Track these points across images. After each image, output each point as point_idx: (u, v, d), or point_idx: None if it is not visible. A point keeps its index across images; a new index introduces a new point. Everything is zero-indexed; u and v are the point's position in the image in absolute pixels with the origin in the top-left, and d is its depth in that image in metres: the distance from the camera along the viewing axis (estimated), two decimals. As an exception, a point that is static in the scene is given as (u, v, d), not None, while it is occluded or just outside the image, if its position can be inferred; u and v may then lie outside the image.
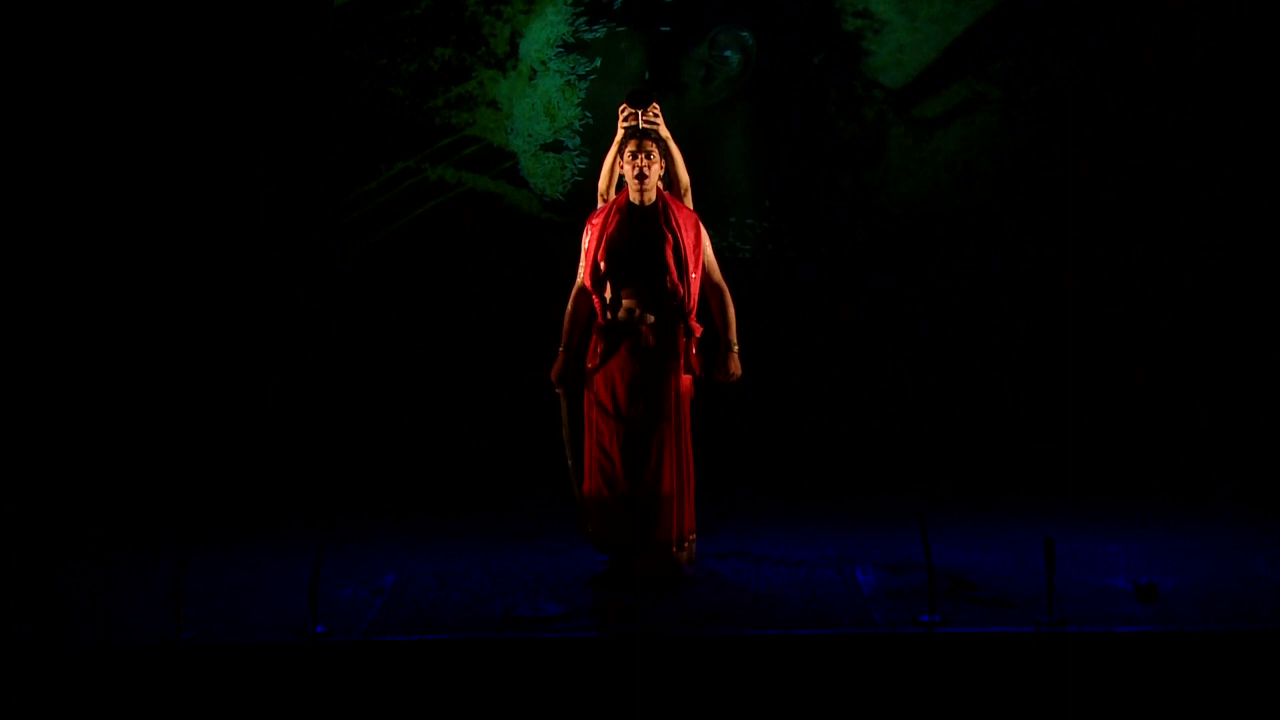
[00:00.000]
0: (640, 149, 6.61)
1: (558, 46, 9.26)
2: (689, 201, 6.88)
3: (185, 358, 9.06)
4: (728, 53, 9.23)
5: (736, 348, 6.79)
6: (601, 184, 6.91)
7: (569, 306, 6.80)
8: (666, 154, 6.73)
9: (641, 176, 6.61)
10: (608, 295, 6.65)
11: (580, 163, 9.24)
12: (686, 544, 6.77)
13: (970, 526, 7.60)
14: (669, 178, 6.81)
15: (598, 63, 9.26)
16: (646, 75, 9.20)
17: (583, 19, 9.22)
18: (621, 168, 6.70)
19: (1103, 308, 9.21)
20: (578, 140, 9.26)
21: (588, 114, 9.25)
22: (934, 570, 6.16)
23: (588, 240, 6.73)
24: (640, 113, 6.67)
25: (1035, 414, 9.19)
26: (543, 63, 9.27)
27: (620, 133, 6.72)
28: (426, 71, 9.20)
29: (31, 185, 8.80)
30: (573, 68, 9.27)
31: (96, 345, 8.96)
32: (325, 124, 9.19)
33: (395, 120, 9.23)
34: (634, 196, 6.67)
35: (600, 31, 9.25)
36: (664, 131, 6.71)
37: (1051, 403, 9.17)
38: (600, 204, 6.88)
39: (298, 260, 9.24)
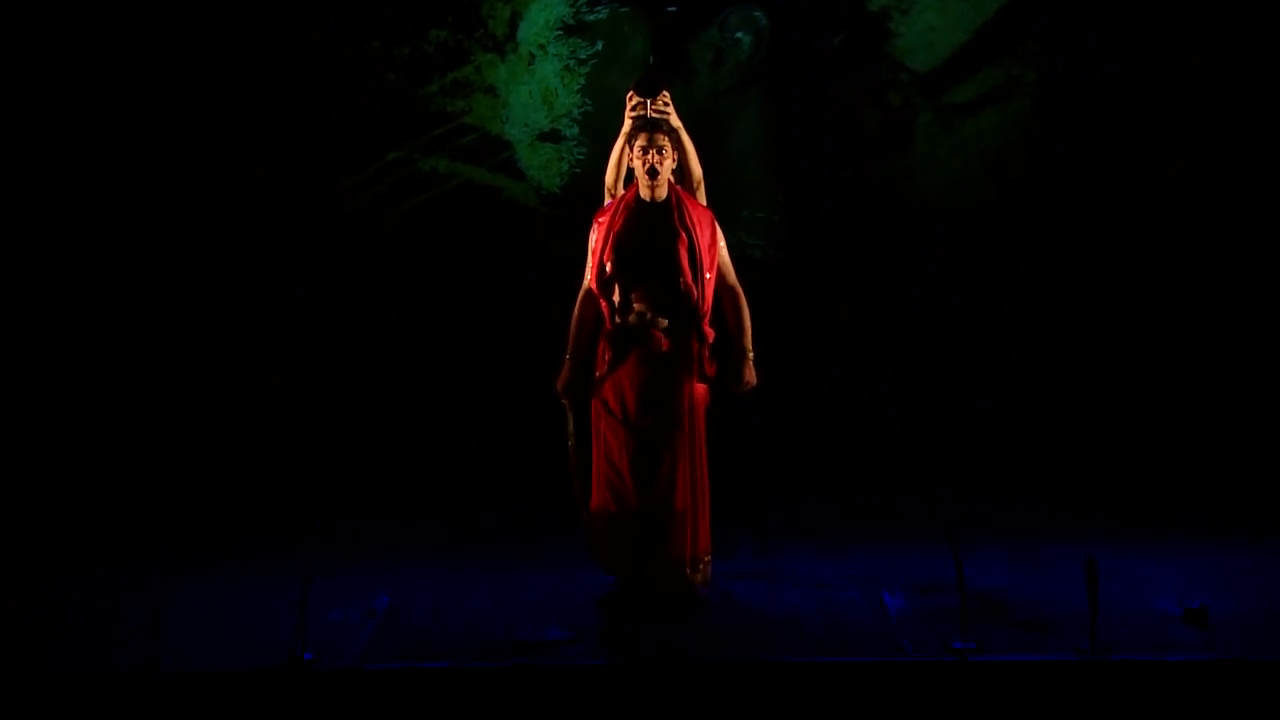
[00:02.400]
0: (651, 142, 6.55)
1: (557, 29, 9.25)
2: (702, 196, 6.82)
3: (177, 358, 9.15)
4: (739, 34, 9.22)
5: (751, 354, 6.73)
6: (609, 178, 6.83)
7: (575, 311, 6.73)
8: (678, 146, 6.67)
9: (653, 171, 6.55)
10: (616, 298, 6.59)
11: (579, 153, 9.23)
12: (701, 565, 6.72)
13: (1006, 545, 7.53)
14: (681, 171, 6.75)
15: (599, 46, 9.24)
16: (651, 60, 9.17)
17: (584, 0, 9.20)
18: (630, 161, 6.64)
19: (1152, 306, 9.19)
20: (576, 129, 9.26)
21: (587, 101, 9.25)
22: (967, 593, 6.08)
23: (595, 239, 6.66)
24: (649, 102, 6.60)
25: (1078, 422, 9.16)
26: (541, 46, 9.26)
27: (628, 123, 6.66)
28: (421, 55, 9.20)
29: (23, 179, 8.90)
30: (573, 52, 9.26)
31: (85, 349, 9.04)
32: (315, 113, 9.20)
33: (388, 108, 9.22)
34: (644, 192, 6.61)
35: (602, 13, 9.24)
36: (675, 121, 6.65)
37: (1096, 410, 9.16)
38: (608, 200, 6.81)
39: (293, 258, 9.28)
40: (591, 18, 9.22)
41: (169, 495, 8.67)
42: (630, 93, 6.66)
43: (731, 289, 6.71)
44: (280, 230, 9.27)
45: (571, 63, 9.24)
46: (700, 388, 6.67)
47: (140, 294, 9.11)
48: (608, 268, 6.57)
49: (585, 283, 6.70)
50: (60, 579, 7.17)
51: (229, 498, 8.69)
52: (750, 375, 6.73)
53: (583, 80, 9.24)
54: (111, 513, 8.36)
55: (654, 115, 6.59)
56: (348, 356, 9.25)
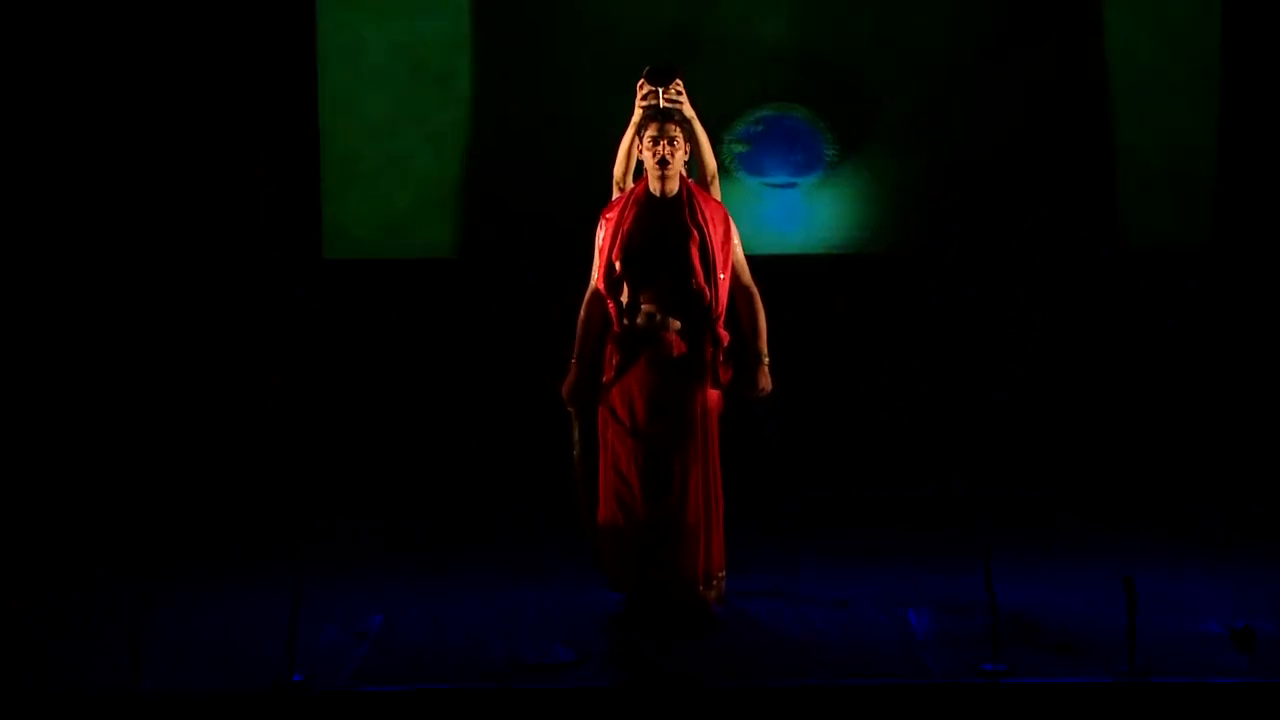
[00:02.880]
0: (662, 132, 6.43)
1: None
2: (716, 190, 6.72)
3: (177, 358, 9.21)
4: None
5: (767, 359, 6.62)
6: (616, 171, 6.73)
7: (581, 313, 6.63)
8: (691, 136, 6.55)
9: (664, 163, 6.43)
10: (625, 299, 6.48)
11: None
12: (715, 581, 6.60)
13: (1039, 561, 7.45)
14: (693, 163, 6.64)
15: None
16: None
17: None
18: (640, 153, 6.52)
19: (1194, 310, 9.17)
20: None
21: None
22: (998, 612, 5.99)
23: (602, 237, 6.55)
24: (661, 90, 6.47)
25: (1115, 434, 9.16)
26: None
27: (637, 113, 6.54)
28: None
29: (23, 180, 8.99)
30: None
31: (84, 350, 9.11)
32: (312, 104, 9.25)
33: None
34: (654, 186, 6.49)
35: None
36: (689, 111, 6.53)
37: (1133, 420, 9.16)
38: (615, 194, 6.70)
39: (282, 261, 9.31)
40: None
41: (163, 497, 8.73)
42: (640, 81, 6.54)
43: (746, 289, 6.61)
44: (280, 229, 9.31)
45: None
46: (713, 394, 6.57)
47: (139, 295, 9.18)
48: (616, 267, 6.47)
49: (592, 283, 6.61)
50: (48, 587, 7.20)
51: (225, 500, 8.75)
52: (766, 381, 6.64)
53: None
54: (105, 515, 8.40)
55: (666, 105, 6.47)
56: (348, 357, 9.29)
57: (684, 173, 6.53)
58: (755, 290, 6.62)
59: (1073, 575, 7.23)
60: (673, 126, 6.43)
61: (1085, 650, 6.11)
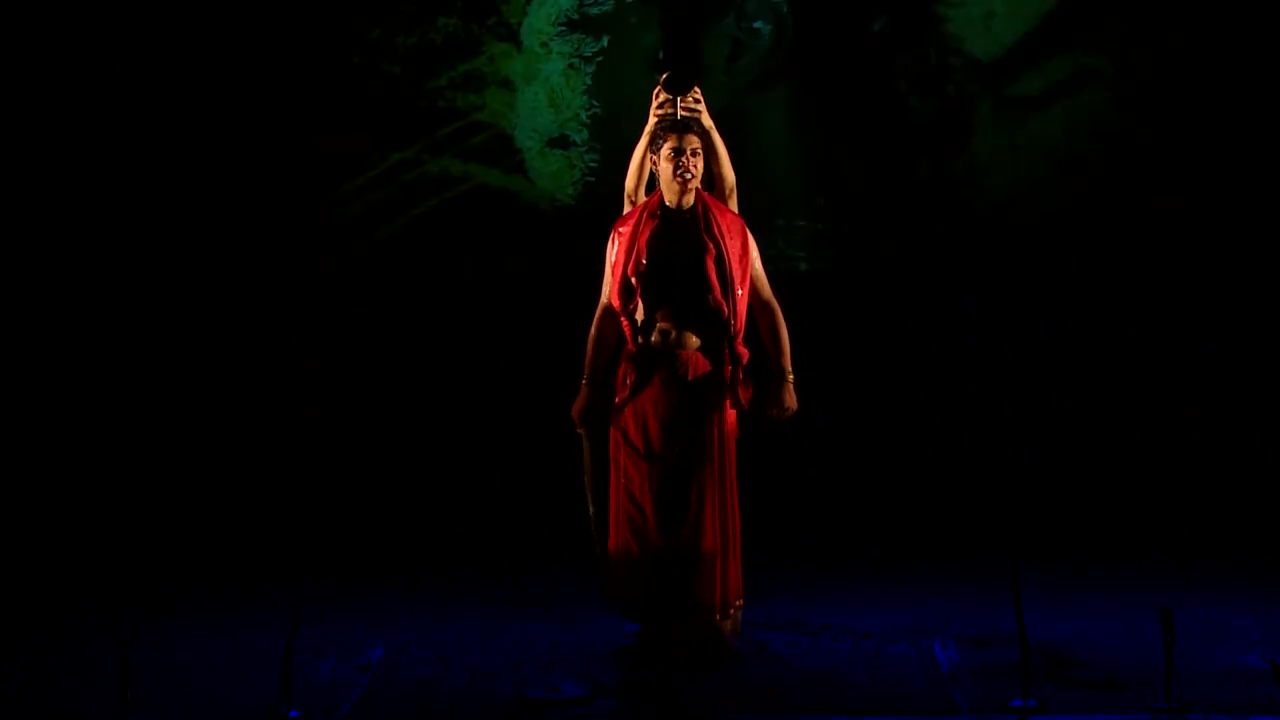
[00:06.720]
0: (680, 143, 6.41)
1: (560, 24, 9.17)
2: (734, 204, 6.69)
3: (145, 386, 9.16)
4: (758, 24, 9.18)
5: (791, 377, 6.58)
6: (629, 184, 6.71)
7: (593, 330, 6.61)
8: (709, 148, 6.54)
9: (682, 175, 6.41)
10: (639, 316, 6.47)
11: (590, 160, 9.15)
12: (732, 611, 6.58)
13: (1072, 591, 7.45)
14: (710, 176, 6.60)
15: (605, 42, 9.15)
16: (661, 55, 9.08)
17: (587, -10, 9.16)
18: (655, 165, 6.50)
19: (1234, 331, 9.11)
20: (585, 134, 9.17)
21: (595, 103, 9.15)
22: (1028, 644, 5.95)
23: (615, 252, 6.53)
24: (679, 99, 6.44)
25: (1150, 457, 9.12)
26: (544, 44, 9.20)
27: (652, 122, 6.52)
28: (428, 45, 9.14)
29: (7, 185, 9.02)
30: (577, 49, 9.17)
31: (67, 375, 9.09)
32: (307, 108, 9.17)
33: (391, 103, 9.18)
34: (670, 199, 6.47)
35: (608, 4, 9.13)
36: (707, 121, 6.52)
37: (1170, 443, 9.11)
38: (627, 208, 6.68)
39: (271, 269, 9.24)
40: (596, 10, 9.13)
41: (153, 522, 8.74)
42: (657, 89, 6.52)
43: (766, 304, 6.58)
44: (250, 233, 9.25)
45: (576, 60, 9.16)
46: (731, 415, 6.54)
47: (130, 303, 9.16)
48: (632, 283, 6.44)
49: (603, 299, 6.58)
50: (29, 624, 7.18)
51: (214, 534, 8.73)
52: (791, 400, 6.58)
53: (589, 79, 9.14)
54: (95, 541, 8.43)
55: (684, 114, 6.45)
56: (328, 385, 9.24)
57: (699, 185, 6.49)
58: (776, 305, 6.59)
59: (1106, 605, 7.22)
60: (692, 138, 6.41)
61: (1120, 685, 6.10)
